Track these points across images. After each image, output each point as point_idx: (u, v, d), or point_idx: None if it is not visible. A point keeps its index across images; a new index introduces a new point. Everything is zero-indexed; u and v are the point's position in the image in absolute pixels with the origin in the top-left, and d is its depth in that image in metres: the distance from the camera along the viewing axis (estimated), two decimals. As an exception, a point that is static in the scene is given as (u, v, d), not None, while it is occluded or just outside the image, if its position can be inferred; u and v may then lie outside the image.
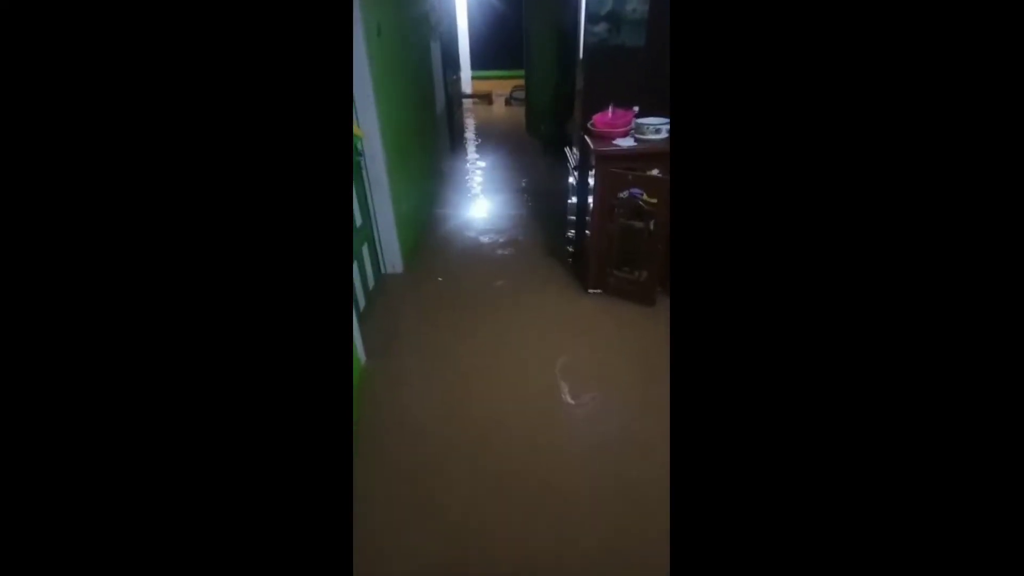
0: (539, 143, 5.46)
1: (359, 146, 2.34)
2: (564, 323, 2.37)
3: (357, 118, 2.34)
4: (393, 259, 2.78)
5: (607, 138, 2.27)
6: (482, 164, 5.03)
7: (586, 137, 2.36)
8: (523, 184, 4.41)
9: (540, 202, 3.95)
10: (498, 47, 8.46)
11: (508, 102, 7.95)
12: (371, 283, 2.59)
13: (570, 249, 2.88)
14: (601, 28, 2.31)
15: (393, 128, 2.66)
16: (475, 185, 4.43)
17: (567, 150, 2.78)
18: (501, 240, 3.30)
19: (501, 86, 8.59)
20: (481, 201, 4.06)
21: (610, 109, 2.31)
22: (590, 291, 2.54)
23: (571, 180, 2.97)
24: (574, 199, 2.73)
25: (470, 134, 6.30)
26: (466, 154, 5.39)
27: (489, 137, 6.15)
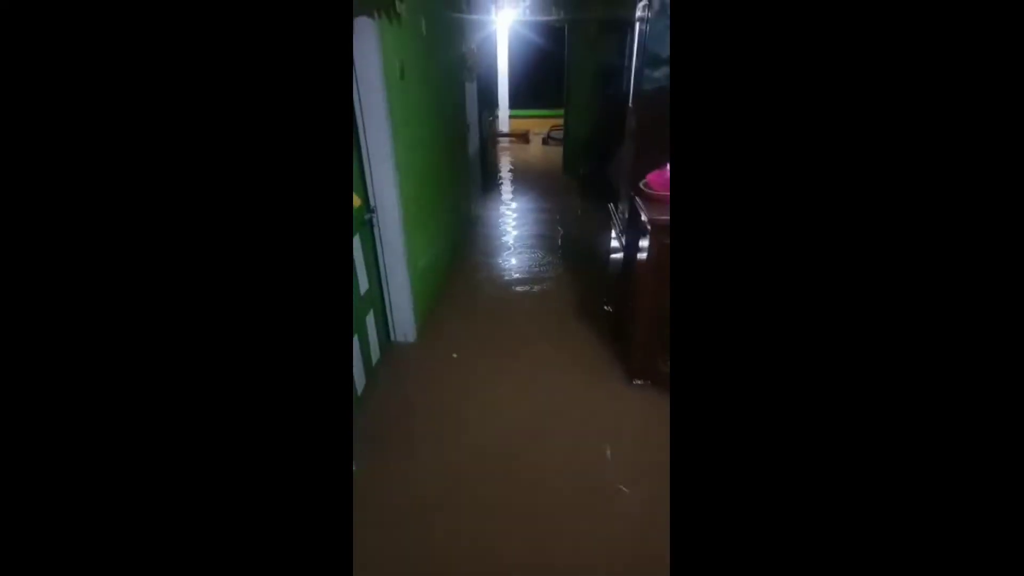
0: (576, 184, 5.13)
1: (365, 214, 2.03)
2: (602, 421, 1.92)
3: (371, 175, 2.04)
4: (405, 326, 2.42)
5: (665, 203, 1.86)
6: (515, 206, 4.72)
7: (638, 199, 1.97)
8: (558, 230, 4.06)
9: (576, 251, 3.58)
10: (537, 86, 8.32)
11: (545, 141, 7.73)
12: (376, 356, 2.23)
13: (608, 308, 2.48)
14: (661, 73, 1.95)
15: (414, 179, 2.35)
16: (507, 230, 4.11)
17: (612, 209, 2.40)
18: (532, 297, 2.92)
19: (538, 125, 8.42)
20: (512, 248, 3.72)
21: (667, 167, 1.92)
22: (635, 382, 2.09)
23: (614, 242, 2.57)
24: (616, 253, 2.33)
25: (505, 174, 6.04)
26: (500, 195, 5.11)
27: (525, 178, 5.87)
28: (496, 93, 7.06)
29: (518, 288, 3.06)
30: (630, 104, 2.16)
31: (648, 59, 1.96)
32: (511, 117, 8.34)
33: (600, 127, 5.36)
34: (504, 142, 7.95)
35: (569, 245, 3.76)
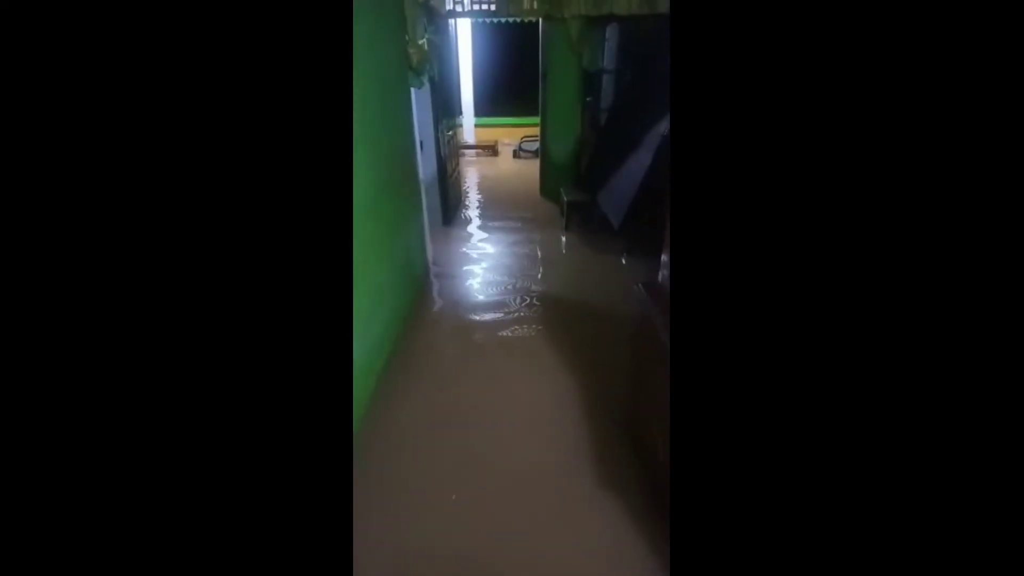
0: (557, 211, 4.24)
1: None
2: None
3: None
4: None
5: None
6: (484, 245, 3.75)
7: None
8: (537, 287, 3.06)
9: (568, 326, 2.57)
10: (506, 90, 7.42)
11: (517, 154, 6.83)
12: None
13: (626, 427, 1.53)
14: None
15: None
16: (472, 290, 3.03)
17: (641, 292, 1.48)
18: (512, 400, 1.93)
19: (509, 134, 7.51)
20: (477, 324, 2.62)
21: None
22: None
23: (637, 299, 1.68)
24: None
25: (472, 197, 5.10)
26: (464, 230, 4.14)
27: (495, 202, 4.91)
28: (458, 99, 6.11)
29: (487, 402, 2.12)
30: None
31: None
32: (477, 126, 7.42)
33: (584, 143, 4.51)
34: (470, 154, 7.01)
35: (556, 311, 2.79)
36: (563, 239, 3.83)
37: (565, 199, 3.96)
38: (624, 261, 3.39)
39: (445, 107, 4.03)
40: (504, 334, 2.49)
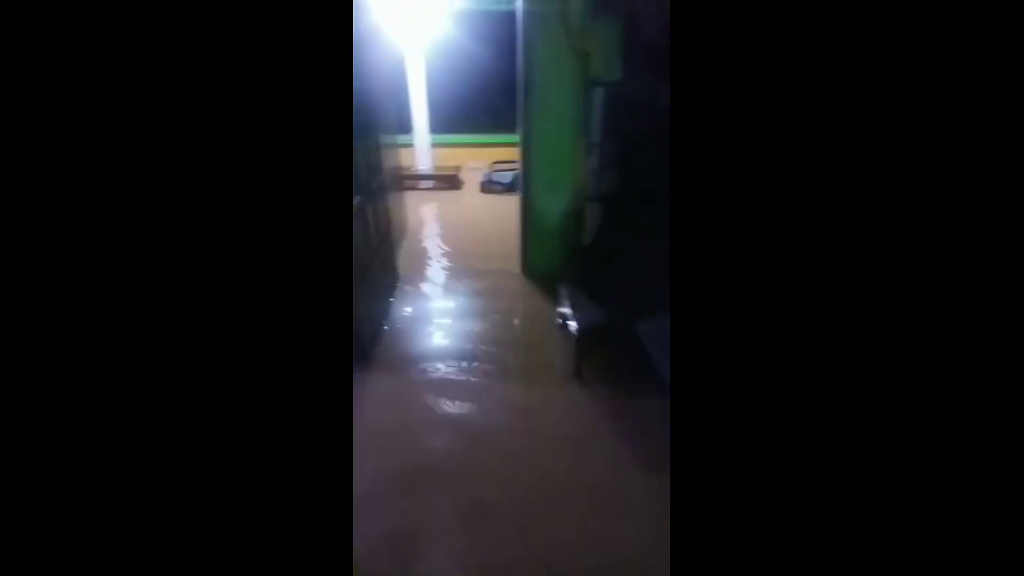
0: (557, 325, 2.45)
1: None
2: None
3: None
4: None
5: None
6: (423, 437, 1.92)
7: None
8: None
9: None
10: (470, 99, 5.63)
11: (486, 187, 5.04)
12: None
13: None
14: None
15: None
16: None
17: None
18: None
19: (475, 155, 5.71)
20: None
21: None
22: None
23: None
24: None
25: (410, 280, 3.26)
26: (391, 378, 2.28)
27: (449, 291, 3.07)
28: (396, 110, 4.09)
29: None
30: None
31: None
32: (434, 146, 5.58)
33: (589, 197, 2.77)
34: (426, 184, 5.17)
35: None
36: (571, 414, 1.97)
37: (573, 323, 2.15)
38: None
39: (371, 125, 2.21)
40: None
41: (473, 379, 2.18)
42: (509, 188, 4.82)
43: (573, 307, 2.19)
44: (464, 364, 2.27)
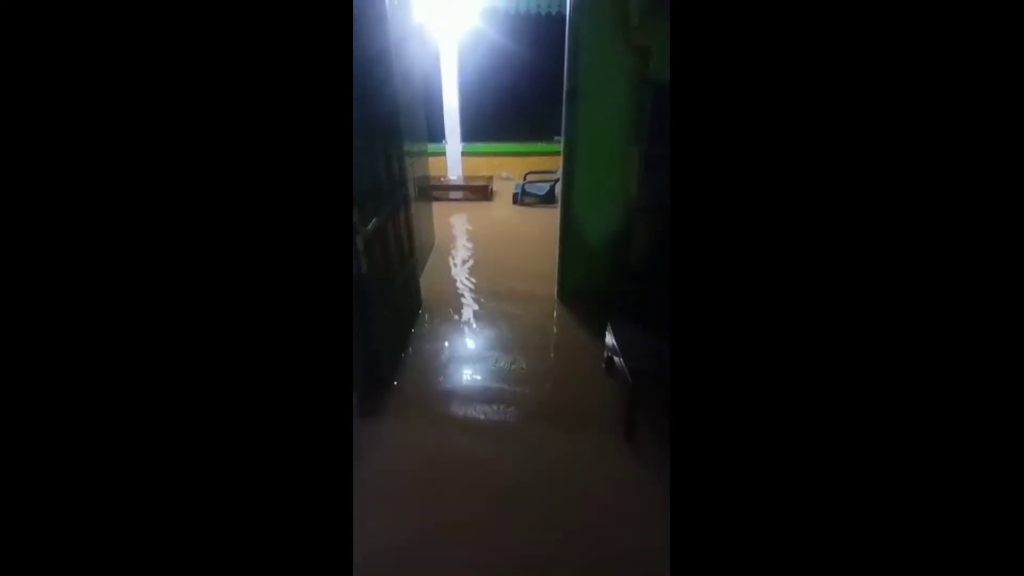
0: (602, 366, 2.09)
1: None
2: None
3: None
4: None
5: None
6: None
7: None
8: None
9: None
10: (503, 107, 5.36)
11: (519, 199, 4.73)
12: None
13: None
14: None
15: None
16: None
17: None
18: None
19: (509, 165, 5.44)
20: None
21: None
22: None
23: None
24: None
25: (439, 306, 2.95)
26: (403, 424, 1.97)
27: (479, 317, 2.74)
28: (430, 116, 3.78)
29: None
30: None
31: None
32: (465, 154, 5.34)
33: (643, 214, 2.41)
34: (456, 195, 4.92)
35: None
36: (620, 478, 1.62)
37: (621, 361, 1.80)
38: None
39: (390, 126, 1.94)
40: None
41: (502, 423, 1.84)
42: (542, 200, 4.52)
43: (622, 342, 1.83)
44: (492, 407, 1.93)
